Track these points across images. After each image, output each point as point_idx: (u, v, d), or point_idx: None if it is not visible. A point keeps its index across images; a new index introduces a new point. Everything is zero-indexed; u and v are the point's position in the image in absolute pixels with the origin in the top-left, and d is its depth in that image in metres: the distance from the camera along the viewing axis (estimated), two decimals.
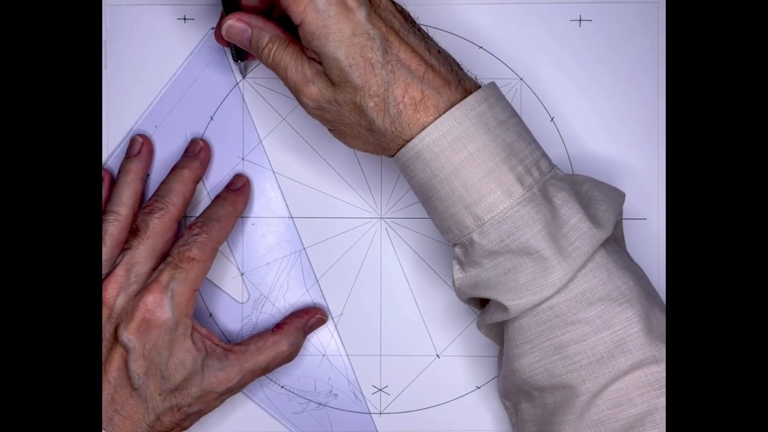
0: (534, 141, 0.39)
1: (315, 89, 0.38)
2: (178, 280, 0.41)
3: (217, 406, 0.44)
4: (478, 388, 0.47)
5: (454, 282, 0.40)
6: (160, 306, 0.41)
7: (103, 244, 0.43)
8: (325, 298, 0.47)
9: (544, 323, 0.38)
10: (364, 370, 0.47)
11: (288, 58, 0.39)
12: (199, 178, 0.46)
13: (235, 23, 0.40)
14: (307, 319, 0.46)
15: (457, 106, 0.37)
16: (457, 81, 0.38)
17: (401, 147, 0.38)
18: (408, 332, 0.47)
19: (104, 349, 0.41)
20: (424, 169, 0.38)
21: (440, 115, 0.37)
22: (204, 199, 0.47)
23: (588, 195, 0.39)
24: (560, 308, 0.37)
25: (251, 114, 0.47)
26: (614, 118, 0.47)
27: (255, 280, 0.47)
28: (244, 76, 0.47)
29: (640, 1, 0.47)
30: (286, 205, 0.47)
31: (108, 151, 0.47)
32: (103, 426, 0.40)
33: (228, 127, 0.47)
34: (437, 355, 0.47)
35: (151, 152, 0.47)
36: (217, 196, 0.46)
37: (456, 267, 0.40)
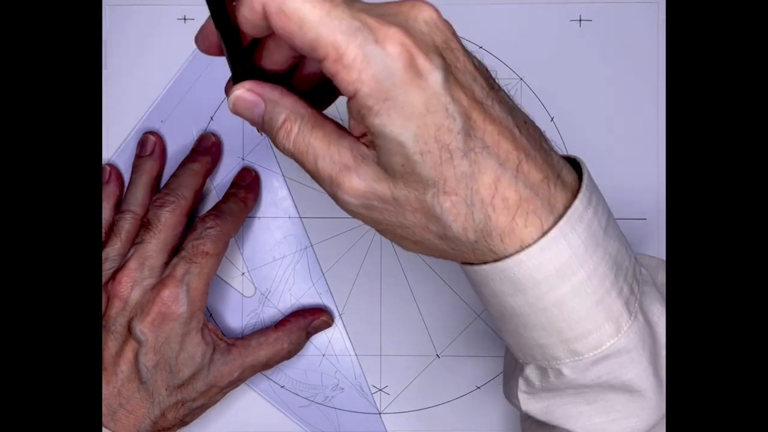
0: (623, 235, 0.32)
1: (362, 183, 0.29)
2: (192, 274, 0.42)
3: (218, 400, 0.44)
4: (478, 388, 0.47)
5: (519, 406, 0.34)
6: (176, 300, 0.41)
7: (118, 239, 0.43)
8: (331, 292, 0.47)
9: None
10: (364, 370, 0.47)
11: (317, 143, 0.29)
12: (209, 173, 0.46)
13: (245, 94, 0.30)
14: (312, 319, 0.46)
15: (565, 218, 0.29)
16: (552, 169, 0.29)
17: (486, 262, 0.30)
18: (408, 332, 0.47)
19: (116, 342, 0.41)
20: (517, 294, 0.30)
21: (545, 231, 0.28)
22: (211, 193, 0.47)
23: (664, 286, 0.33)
24: None
25: None
26: (614, 118, 0.47)
27: (261, 275, 0.47)
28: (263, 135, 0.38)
29: (640, 1, 0.47)
30: (294, 202, 0.47)
31: (108, 150, 0.47)
32: (107, 421, 0.40)
33: (228, 127, 0.47)
34: (437, 355, 0.47)
35: (163, 150, 0.47)
36: (228, 192, 0.46)
37: (523, 389, 0.33)
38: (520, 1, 0.47)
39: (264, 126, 0.31)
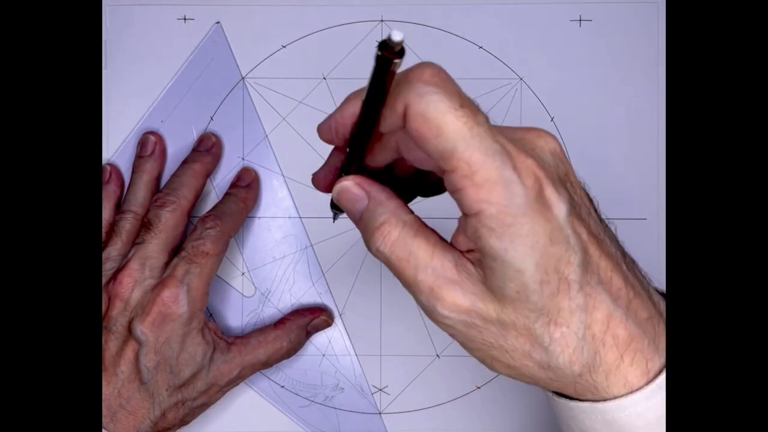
0: None
1: (465, 300, 0.28)
2: (193, 275, 0.42)
3: (218, 398, 0.44)
4: (478, 388, 0.47)
5: None
6: (176, 300, 0.41)
7: (119, 239, 0.43)
8: (331, 292, 0.47)
9: None
10: (364, 369, 0.47)
11: (419, 252, 0.29)
12: (210, 173, 0.46)
13: (352, 188, 0.30)
14: (311, 318, 0.46)
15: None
16: (655, 307, 0.29)
17: (584, 398, 0.29)
18: (408, 332, 0.47)
19: (117, 343, 0.41)
20: None
21: (650, 372, 0.28)
22: (211, 193, 0.47)
23: None
24: None
25: (255, 113, 0.47)
26: (614, 118, 0.47)
27: (261, 275, 0.47)
28: (334, 220, 0.36)
29: (640, 1, 0.47)
30: (294, 202, 0.47)
31: (108, 150, 0.47)
32: (107, 422, 0.40)
33: (228, 127, 0.47)
34: (437, 355, 0.47)
35: (164, 151, 0.47)
36: (227, 192, 0.46)
37: None
38: (520, 1, 0.47)
39: (360, 222, 0.30)
